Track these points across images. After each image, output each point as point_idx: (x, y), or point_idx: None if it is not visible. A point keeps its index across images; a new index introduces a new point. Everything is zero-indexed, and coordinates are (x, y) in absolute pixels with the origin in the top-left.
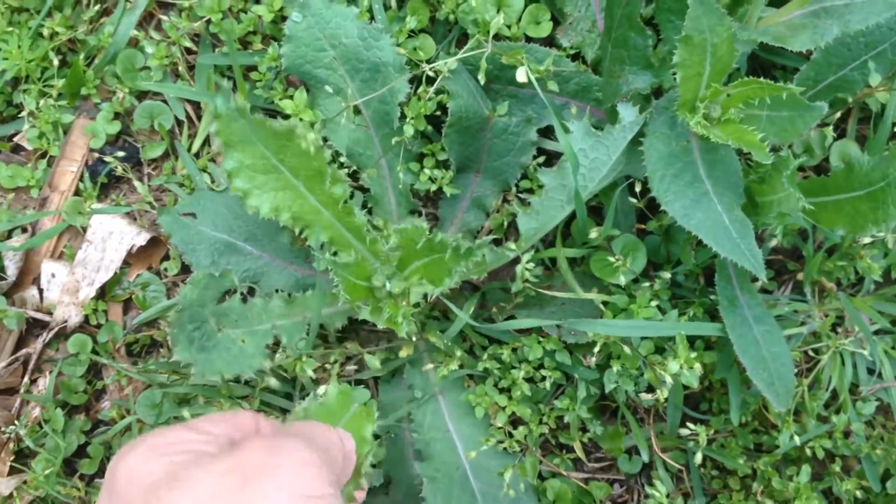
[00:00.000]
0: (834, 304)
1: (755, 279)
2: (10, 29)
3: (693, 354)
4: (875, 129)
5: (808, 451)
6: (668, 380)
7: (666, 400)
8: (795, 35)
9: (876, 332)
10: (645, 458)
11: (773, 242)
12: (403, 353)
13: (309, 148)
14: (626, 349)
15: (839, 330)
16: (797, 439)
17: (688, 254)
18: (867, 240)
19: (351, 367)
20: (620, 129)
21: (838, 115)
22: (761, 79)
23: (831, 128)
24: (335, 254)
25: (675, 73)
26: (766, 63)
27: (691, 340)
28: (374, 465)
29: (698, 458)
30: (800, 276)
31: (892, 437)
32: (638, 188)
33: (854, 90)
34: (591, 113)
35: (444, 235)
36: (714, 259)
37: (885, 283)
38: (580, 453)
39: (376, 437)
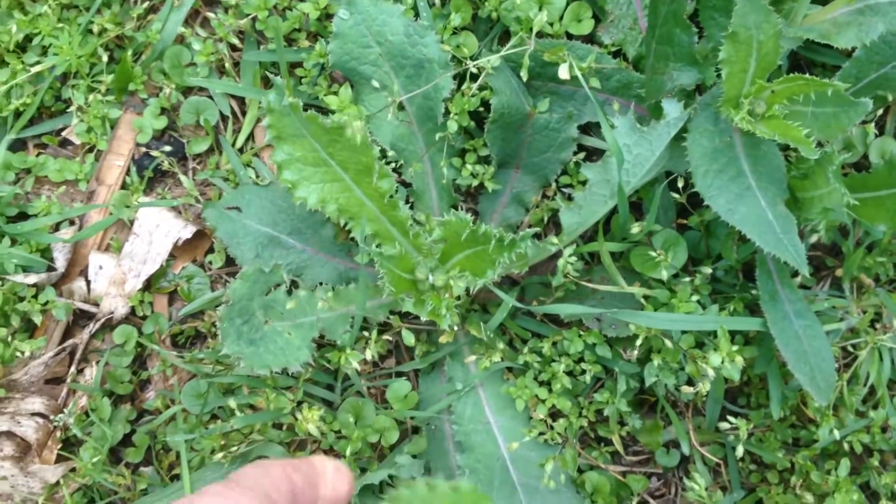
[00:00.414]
0: (872, 300)
1: (795, 274)
2: (60, 25)
3: (734, 348)
4: None
5: (846, 446)
6: (710, 373)
7: (706, 394)
8: (841, 32)
9: None
10: (685, 450)
11: (815, 238)
12: (443, 340)
13: (357, 137)
14: (668, 343)
15: (877, 326)
16: (836, 433)
17: (730, 249)
18: None
19: (391, 361)
20: (665, 125)
21: (880, 112)
22: (806, 75)
23: (873, 125)
24: (379, 246)
25: (719, 70)
26: (806, 60)
27: (731, 335)
28: (414, 457)
29: (739, 451)
30: (839, 271)
31: None
32: (680, 183)
33: (895, 87)
34: (634, 110)
35: (487, 227)
36: (754, 254)
37: None
38: (619, 446)
39: (416, 429)
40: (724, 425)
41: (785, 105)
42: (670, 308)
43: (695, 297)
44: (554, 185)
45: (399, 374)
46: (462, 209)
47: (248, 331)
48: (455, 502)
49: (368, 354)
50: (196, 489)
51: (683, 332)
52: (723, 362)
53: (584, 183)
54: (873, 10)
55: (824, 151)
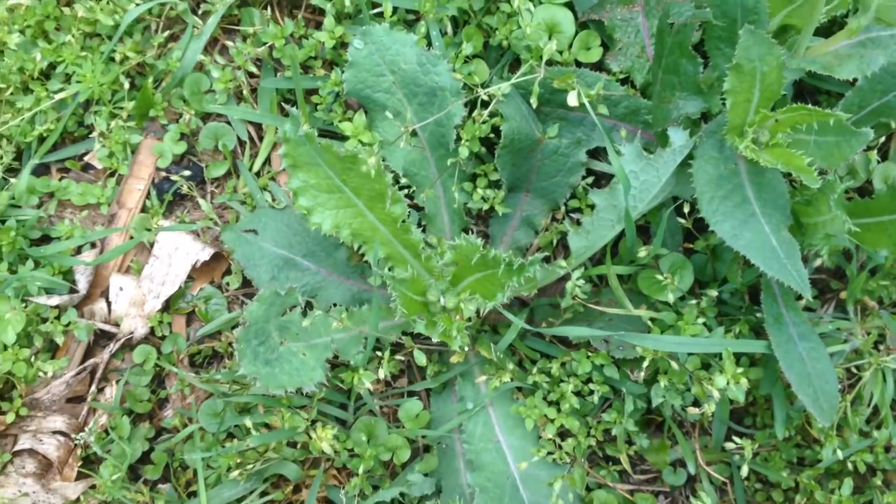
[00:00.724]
0: (876, 322)
1: (799, 297)
2: (84, 53)
3: (739, 370)
4: None
5: (850, 466)
6: (716, 394)
7: (712, 414)
8: (843, 64)
9: None
10: (691, 469)
11: (818, 262)
12: (454, 360)
13: (371, 171)
14: (674, 364)
15: (881, 347)
16: (840, 453)
17: (735, 273)
18: None
19: (403, 381)
20: (671, 152)
21: (882, 139)
22: (809, 105)
23: (875, 151)
24: (391, 269)
25: (724, 99)
26: (810, 88)
27: (736, 357)
28: (426, 475)
29: (744, 470)
30: (843, 294)
31: None
32: (686, 209)
33: None
34: (641, 136)
35: (497, 251)
36: (759, 278)
37: None
38: (626, 465)
39: (427, 448)
40: (729, 445)
41: (788, 134)
42: (676, 330)
43: (701, 320)
44: (563, 208)
45: (411, 394)
46: (473, 232)
47: (265, 351)
48: None
49: (381, 374)
50: None
51: (690, 354)
52: (728, 384)
53: (592, 207)
54: (874, 42)
55: (826, 179)
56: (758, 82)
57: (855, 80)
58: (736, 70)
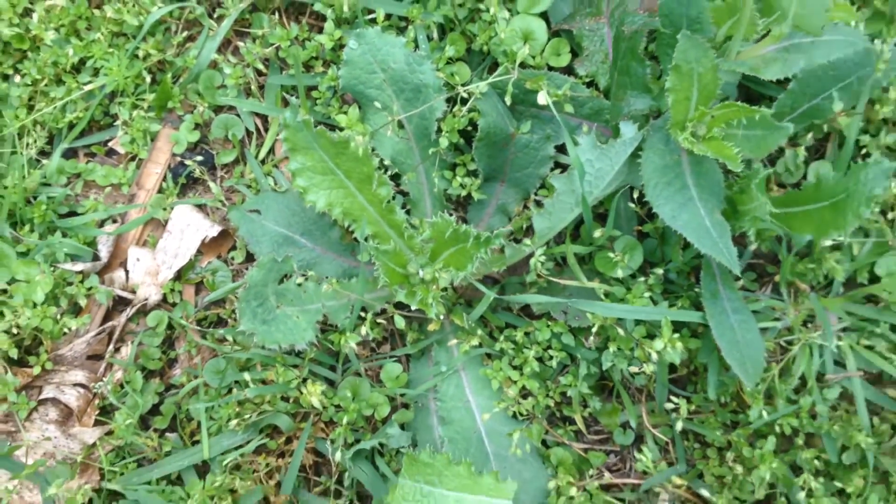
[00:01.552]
0: (807, 304)
1: (738, 278)
2: (111, 50)
3: (676, 336)
4: (841, 150)
5: (778, 428)
6: (654, 356)
7: (654, 378)
8: (768, 66)
9: (844, 329)
10: (639, 431)
11: (753, 247)
12: (431, 328)
13: (360, 152)
14: (621, 332)
15: (810, 325)
16: (765, 415)
17: (677, 252)
18: (829, 243)
19: (386, 347)
20: (622, 143)
21: (809, 137)
22: (738, 103)
23: (803, 148)
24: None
25: (668, 97)
26: (753, 94)
27: (677, 328)
28: (402, 427)
29: (679, 426)
30: (777, 277)
31: (850, 418)
32: (635, 195)
33: (825, 116)
34: (601, 132)
35: (467, 227)
36: (700, 259)
37: (856, 286)
38: (581, 426)
39: (405, 406)
40: (669, 405)
41: (722, 128)
42: (626, 303)
43: (647, 294)
44: (533, 197)
45: (393, 359)
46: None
47: (262, 312)
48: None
49: (363, 331)
50: (213, 452)
51: (637, 324)
52: (665, 347)
53: (554, 191)
54: (796, 48)
55: (753, 168)
56: (695, 82)
57: (788, 82)
58: (675, 70)
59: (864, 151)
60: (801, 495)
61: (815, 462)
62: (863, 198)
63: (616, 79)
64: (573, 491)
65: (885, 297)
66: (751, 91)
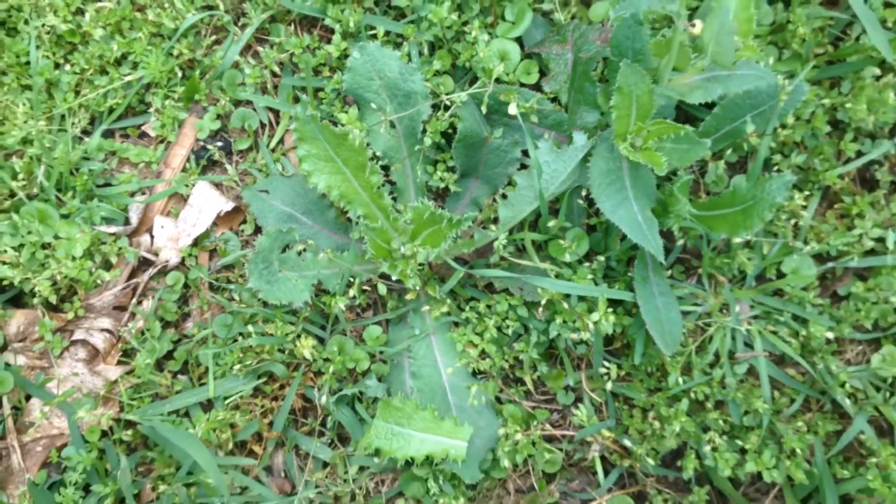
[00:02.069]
0: (724, 294)
1: (668, 268)
2: (149, 48)
3: (611, 311)
4: (751, 164)
5: (693, 395)
6: (591, 326)
7: (590, 346)
8: (693, 92)
9: (755, 317)
10: (577, 392)
11: (681, 242)
12: (409, 298)
13: (357, 146)
14: (567, 306)
15: (726, 312)
16: (682, 383)
17: (616, 242)
18: (740, 241)
19: (370, 313)
20: (574, 149)
21: (730, 152)
22: (667, 121)
23: (723, 161)
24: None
25: (612, 114)
26: (690, 115)
27: (616, 307)
28: (379, 379)
29: (609, 386)
30: (701, 270)
31: (753, 390)
32: (584, 192)
33: (742, 137)
34: (559, 140)
35: (442, 211)
36: (636, 250)
37: (766, 281)
38: (530, 386)
39: (383, 361)
40: (601, 370)
41: (655, 141)
42: (572, 282)
43: (590, 277)
44: (500, 191)
45: (375, 323)
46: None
47: (267, 274)
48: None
49: (351, 293)
50: (217, 393)
51: (580, 300)
52: (600, 319)
53: (517, 185)
54: (715, 79)
55: (678, 175)
56: (634, 102)
57: (714, 106)
58: (618, 91)
59: (776, 168)
60: (707, 448)
61: (721, 423)
62: (767, 204)
63: (572, 96)
64: (519, 436)
65: (789, 290)
66: (688, 113)
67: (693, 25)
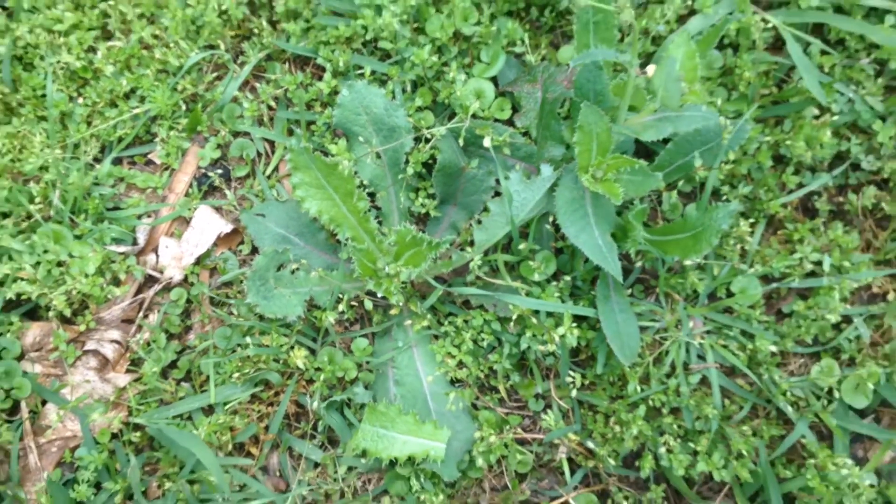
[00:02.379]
0: (679, 311)
1: (628, 288)
2: (156, 83)
3: (575, 325)
4: (701, 194)
5: (650, 402)
6: (558, 339)
7: (557, 358)
8: (646, 131)
9: (708, 332)
10: (546, 399)
11: (639, 264)
12: (393, 313)
13: (346, 175)
14: (536, 321)
15: (681, 327)
16: (640, 390)
17: (580, 264)
18: (690, 263)
19: (357, 326)
20: (541, 180)
21: (682, 183)
22: (623, 156)
23: (675, 192)
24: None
25: (575, 149)
26: (650, 150)
27: (580, 322)
28: (366, 387)
29: (574, 393)
30: (658, 289)
31: (705, 397)
32: (552, 219)
33: (692, 170)
34: (529, 171)
35: (423, 234)
36: (599, 271)
37: (717, 299)
38: (504, 394)
39: (370, 371)
40: (568, 379)
41: (614, 173)
42: (540, 300)
43: (557, 294)
44: (476, 216)
45: (362, 336)
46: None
47: (264, 290)
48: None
49: (341, 307)
50: (218, 399)
51: (548, 316)
52: (565, 333)
53: (490, 211)
54: (666, 119)
55: (634, 204)
56: (594, 138)
57: (667, 143)
58: (580, 129)
59: (725, 198)
60: (663, 450)
61: (675, 427)
62: (714, 230)
63: (541, 132)
64: (493, 439)
65: (738, 308)
66: (648, 147)
67: (645, 72)
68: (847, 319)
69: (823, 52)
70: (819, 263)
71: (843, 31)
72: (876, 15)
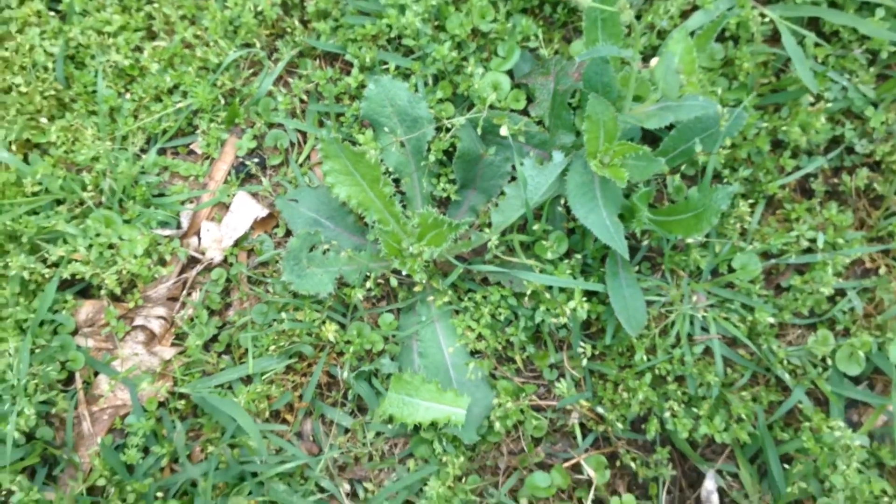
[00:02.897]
0: (683, 286)
1: (636, 265)
2: (197, 80)
3: (586, 300)
4: (702, 177)
5: (656, 371)
6: (569, 312)
7: (569, 330)
8: (649, 119)
9: (711, 305)
10: (560, 369)
11: (646, 243)
12: (417, 290)
13: (372, 163)
14: (549, 296)
15: (686, 301)
16: (647, 360)
17: (590, 243)
18: (692, 241)
19: (384, 303)
20: (553, 165)
21: (683, 167)
22: (628, 142)
23: (679, 175)
24: (381, 227)
25: (584, 136)
26: (656, 137)
27: (591, 297)
28: (392, 359)
29: (584, 362)
30: (664, 266)
31: (708, 367)
32: (564, 202)
33: (693, 154)
34: (542, 157)
35: (444, 217)
36: (608, 249)
37: (719, 275)
38: (520, 365)
39: (395, 343)
40: (579, 350)
41: (621, 159)
42: (553, 276)
43: (569, 272)
44: (494, 200)
45: (389, 312)
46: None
47: (298, 269)
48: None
49: (368, 285)
50: (256, 370)
51: (560, 291)
52: (576, 307)
53: (506, 195)
54: (667, 108)
55: (640, 187)
56: (601, 127)
57: (671, 130)
58: (588, 118)
59: (725, 180)
60: (668, 415)
61: (679, 394)
62: (714, 210)
63: (552, 121)
64: (510, 405)
65: (738, 283)
66: (654, 134)
67: (648, 65)
68: (841, 292)
69: (818, 45)
70: (815, 241)
71: (836, 24)
72: (867, 8)
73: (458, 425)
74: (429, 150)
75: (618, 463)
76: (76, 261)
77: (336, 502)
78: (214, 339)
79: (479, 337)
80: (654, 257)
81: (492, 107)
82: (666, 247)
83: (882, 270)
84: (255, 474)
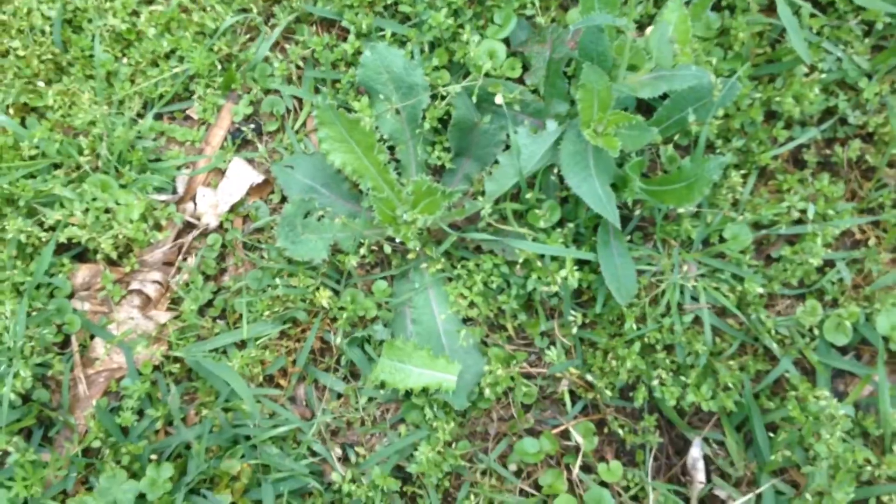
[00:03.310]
0: (675, 255)
1: (628, 234)
2: (194, 45)
3: (577, 269)
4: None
5: (646, 340)
6: (560, 281)
7: (561, 298)
8: (643, 88)
9: (702, 275)
10: (551, 337)
11: (638, 212)
12: (410, 257)
13: (367, 130)
14: (541, 265)
15: (677, 271)
16: (636, 328)
17: (583, 212)
18: (683, 211)
19: (377, 270)
20: (547, 134)
21: (676, 137)
22: (621, 111)
23: (671, 145)
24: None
25: (578, 105)
26: (650, 106)
27: (581, 266)
28: (385, 325)
29: (574, 330)
30: (656, 236)
31: (697, 335)
32: (557, 171)
33: (686, 124)
34: (536, 125)
35: (437, 185)
36: (600, 218)
37: (710, 245)
38: (512, 332)
39: (389, 310)
40: (570, 318)
41: (614, 128)
42: (545, 244)
43: (561, 240)
44: (488, 168)
45: (382, 279)
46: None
47: (292, 235)
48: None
49: (362, 252)
50: (250, 335)
51: (552, 259)
52: (567, 276)
53: (499, 163)
54: (661, 77)
55: (632, 156)
56: (595, 96)
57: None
58: (582, 87)
59: (719, 151)
60: (656, 383)
61: (668, 362)
62: (706, 181)
63: (547, 89)
64: (500, 372)
65: (729, 253)
66: (649, 104)
67: (643, 35)
68: (831, 263)
69: (813, 15)
70: (805, 211)
71: None
72: None
73: (449, 391)
74: (424, 117)
75: (606, 430)
76: (73, 225)
77: (328, 466)
78: (209, 303)
79: (472, 304)
80: (645, 227)
81: (487, 75)
82: (658, 216)
83: (871, 242)
84: (248, 438)
